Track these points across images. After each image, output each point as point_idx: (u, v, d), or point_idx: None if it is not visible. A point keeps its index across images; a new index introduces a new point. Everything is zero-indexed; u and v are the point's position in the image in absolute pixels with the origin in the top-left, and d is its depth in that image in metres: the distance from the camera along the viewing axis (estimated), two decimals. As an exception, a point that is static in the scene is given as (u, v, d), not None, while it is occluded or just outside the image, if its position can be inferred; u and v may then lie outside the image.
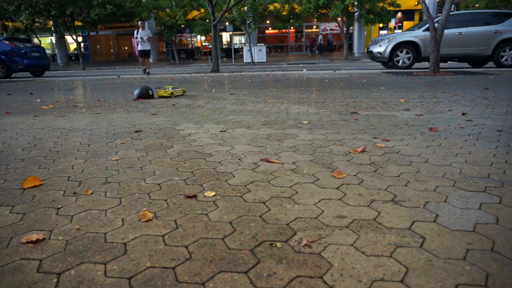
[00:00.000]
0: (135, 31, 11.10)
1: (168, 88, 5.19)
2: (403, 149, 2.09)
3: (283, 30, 29.88)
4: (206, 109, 3.85)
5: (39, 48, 13.12)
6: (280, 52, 32.17)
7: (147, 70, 11.39)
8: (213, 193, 1.51)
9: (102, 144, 2.43)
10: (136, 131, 2.81)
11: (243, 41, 30.93)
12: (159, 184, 1.65)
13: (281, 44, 32.49)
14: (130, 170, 1.86)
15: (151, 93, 4.99)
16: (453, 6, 12.00)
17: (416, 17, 28.27)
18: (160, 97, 5.09)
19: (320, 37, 29.23)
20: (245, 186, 1.59)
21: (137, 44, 11.28)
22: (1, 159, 2.14)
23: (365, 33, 25.60)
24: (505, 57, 9.38)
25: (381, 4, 17.53)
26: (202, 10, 21.09)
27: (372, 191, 1.49)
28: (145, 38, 10.94)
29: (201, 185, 1.62)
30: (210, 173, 1.78)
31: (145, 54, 11.31)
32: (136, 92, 4.95)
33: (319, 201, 1.41)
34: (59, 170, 1.90)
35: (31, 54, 12.51)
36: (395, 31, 24.98)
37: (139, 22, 11.04)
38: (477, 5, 19.38)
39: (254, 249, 1.08)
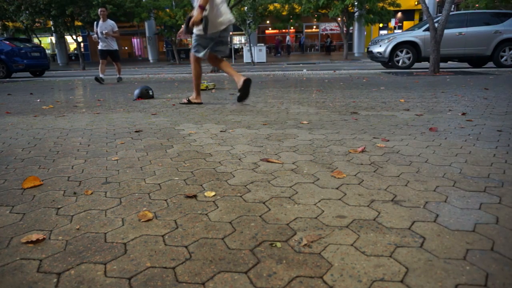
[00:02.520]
0: (95, 24, 8.01)
1: (203, 82, 6.14)
2: (403, 149, 2.09)
3: (283, 30, 29.89)
4: (206, 109, 3.85)
5: (39, 48, 13.13)
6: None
7: (118, 76, 8.49)
8: (213, 193, 1.51)
9: (102, 144, 2.43)
10: (136, 131, 2.81)
11: (243, 41, 30.92)
12: (159, 184, 1.65)
13: (281, 44, 32.46)
14: (130, 170, 1.86)
15: (151, 93, 4.99)
16: (453, 6, 11.98)
17: (416, 17, 28.27)
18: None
19: (288, 38, 29.01)
20: (245, 186, 1.59)
21: (98, 41, 8.05)
22: (1, 159, 2.15)
23: (365, 33, 25.60)
24: (505, 57, 9.38)
25: (381, 4, 17.54)
26: (202, 10, 21.06)
27: (372, 191, 1.49)
28: (105, 32, 7.86)
29: (201, 185, 1.62)
30: (210, 173, 1.78)
31: (113, 55, 8.16)
32: (136, 92, 4.95)
33: (319, 201, 1.41)
34: (59, 170, 1.90)
35: (31, 54, 12.52)
36: (395, 31, 24.97)
37: (99, 10, 7.88)
38: (477, 5, 19.38)
39: (254, 249, 1.08)
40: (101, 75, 8.13)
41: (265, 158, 2.00)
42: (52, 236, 1.19)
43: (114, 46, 8.17)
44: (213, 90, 5.83)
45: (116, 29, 8.07)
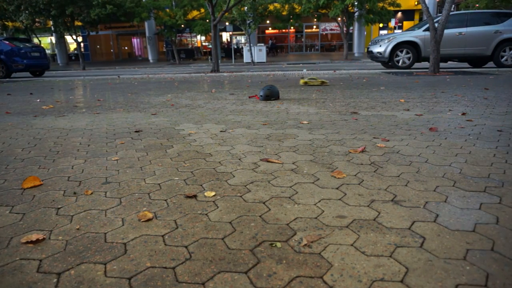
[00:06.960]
0: None
1: (313, 79, 6.19)
2: (403, 149, 2.09)
3: (283, 30, 29.87)
4: (206, 109, 3.85)
5: (39, 48, 13.12)
6: (280, 52, 32.17)
7: None
8: (213, 193, 1.51)
9: (102, 144, 2.43)
10: (136, 131, 2.81)
11: (242, 41, 30.94)
12: (159, 184, 1.65)
13: (281, 44, 32.49)
14: (130, 170, 1.86)
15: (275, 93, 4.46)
16: (453, 6, 11.99)
17: (416, 17, 28.26)
18: (306, 84, 6.07)
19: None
20: (245, 186, 1.59)
21: None
22: (1, 159, 2.14)
23: (365, 33, 25.58)
24: (505, 57, 9.37)
25: (381, 4, 17.53)
26: (202, 10, 21.08)
27: (372, 191, 1.49)
28: None
29: (201, 185, 1.62)
30: (210, 173, 1.78)
31: None
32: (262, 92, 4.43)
33: (319, 201, 1.41)
34: (59, 170, 1.90)
35: (31, 54, 12.51)
36: (395, 31, 24.97)
37: None
38: (477, 5, 19.38)
39: (254, 249, 1.08)
40: None
41: (265, 158, 2.00)
42: (52, 236, 1.19)
43: None
44: (213, 90, 5.82)
45: None
